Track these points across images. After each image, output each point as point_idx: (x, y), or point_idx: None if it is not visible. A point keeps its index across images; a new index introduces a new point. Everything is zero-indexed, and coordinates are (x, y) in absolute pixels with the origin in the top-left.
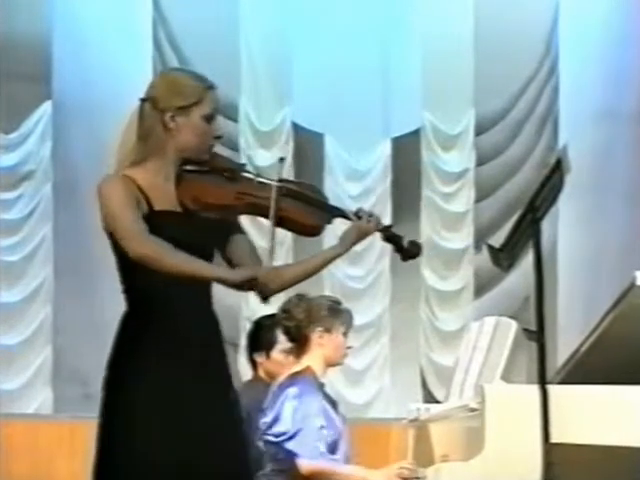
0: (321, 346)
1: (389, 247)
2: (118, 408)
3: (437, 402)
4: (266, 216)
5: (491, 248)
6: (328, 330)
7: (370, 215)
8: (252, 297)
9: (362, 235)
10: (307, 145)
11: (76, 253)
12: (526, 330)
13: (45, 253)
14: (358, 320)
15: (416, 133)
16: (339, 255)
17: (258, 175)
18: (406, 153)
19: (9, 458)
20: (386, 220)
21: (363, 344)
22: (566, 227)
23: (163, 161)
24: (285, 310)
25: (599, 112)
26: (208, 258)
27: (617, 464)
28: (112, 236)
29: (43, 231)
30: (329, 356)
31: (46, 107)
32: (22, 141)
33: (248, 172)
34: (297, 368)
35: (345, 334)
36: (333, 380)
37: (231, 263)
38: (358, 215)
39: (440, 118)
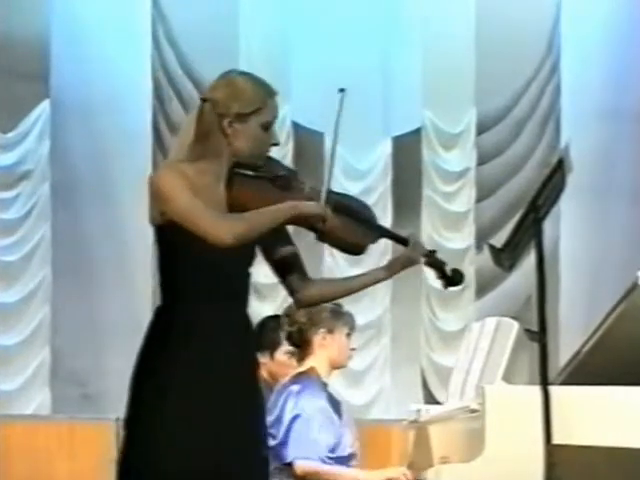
0: (324, 348)
1: (389, 247)
2: (147, 400)
3: (438, 403)
4: (313, 228)
5: (492, 248)
6: (331, 331)
7: (417, 241)
8: (253, 298)
9: (410, 264)
10: (307, 144)
11: (74, 253)
12: (528, 330)
13: (43, 253)
14: (358, 321)
15: (417, 132)
16: (383, 280)
17: (310, 186)
18: (407, 152)
19: (7, 459)
20: (387, 220)
21: (363, 345)
22: (568, 227)
23: (217, 163)
24: (287, 315)
25: (601, 111)
26: (249, 262)
27: (620, 466)
28: (161, 231)
29: (41, 231)
30: (333, 358)
31: (44, 106)
32: (20, 140)
33: (299, 180)
34: (301, 369)
35: (348, 335)
36: (333, 381)
37: (273, 264)
38: (406, 240)
39: (441, 117)
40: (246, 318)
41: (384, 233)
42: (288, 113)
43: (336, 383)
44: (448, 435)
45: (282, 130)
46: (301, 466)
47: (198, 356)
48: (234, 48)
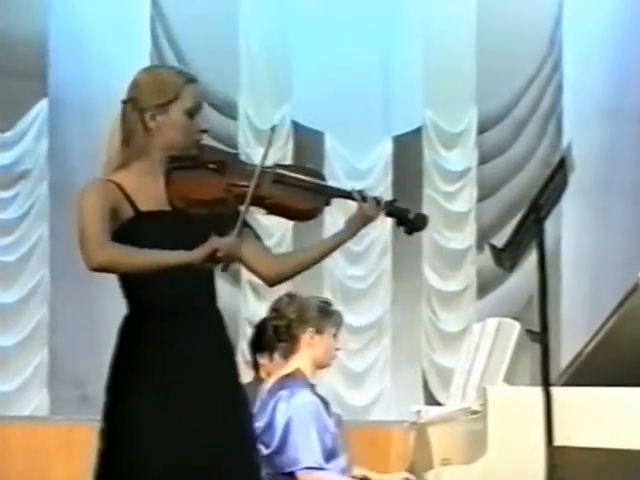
0: (311, 347)
1: (390, 247)
2: (119, 412)
3: (439, 404)
4: (259, 206)
5: (494, 248)
6: (319, 331)
7: (374, 197)
8: (252, 298)
9: (369, 218)
10: (307, 143)
11: (73, 253)
12: (529, 331)
13: (41, 253)
14: (359, 321)
15: (417, 131)
16: (345, 241)
17: (246, 166)
18: (407, 152)
19: (5, 460)
20: (387, 220)
21: (364, 346)
22: (570, 227)
23: (149, 161)
24: (275, 309)
25: (603, 110)
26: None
27: (622, 467)
28: None
29: (39, 231)
30: (318, 357)
31: (42, 105)
32: (18, 139)
33: (240, 161)
34: (286, 371)
35: (335, 336)
36: (333, 382)
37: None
38: (362, 196)
39: (442, 116)
40: (218, 315)
41: (335, 193)
42: (288, 113)
43: (336, 384)
44: (449, 436)
45: (282, 129)
46: (304, 478)
47: (174, 357)
48: (234, 47)
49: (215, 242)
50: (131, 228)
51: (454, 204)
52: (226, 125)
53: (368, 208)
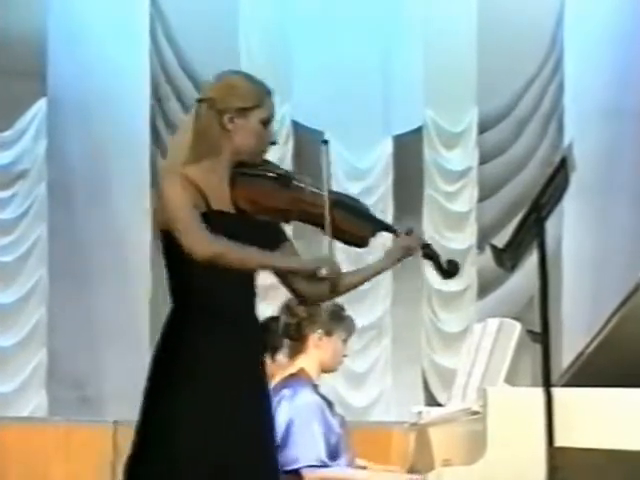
0: (318, 348)
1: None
2: (161, 408)
3: (439, 405)
4: (317, 224)
5: (494, 248)
6: (328, 334)
7: (412, 231)
8: None
9: (408, 254)
10: (307, 143)
11: (71, 254)
12: (530, 331)
13: (40, 253)
14: (359, 322)
15: (418, 131)
16: (385, 270)
17: (309, 184)
18: (408, 151)
19: (3, 462)
20: (388, 220)
21: (364, 346)
22: (571, 227)
23: (218, 161)
24: (287, 307)
25: (605, 110)
26: (249, 276)
27: (624, 469)
28: (167, 236)
29: (38, 231)
30: (324, 361)
31: (41, 104)
32: (16, 139)
33: (299, 180)
34: (291, 370)
35: (345, 341)
36: (333, 383)
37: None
38: (406, 232)
39: (443, 116)
40: (257, 320)
41: (383, 226)
42: (288, 112)
43: (336, 384)
44: (450, 437)
45: (282, 129)
46: (309, 476)
47: (217, 353)
48: (234, 46)
49: (323, 259)
50: (204, 224)
51: (455, 204)
52: None
53: (409, 241)
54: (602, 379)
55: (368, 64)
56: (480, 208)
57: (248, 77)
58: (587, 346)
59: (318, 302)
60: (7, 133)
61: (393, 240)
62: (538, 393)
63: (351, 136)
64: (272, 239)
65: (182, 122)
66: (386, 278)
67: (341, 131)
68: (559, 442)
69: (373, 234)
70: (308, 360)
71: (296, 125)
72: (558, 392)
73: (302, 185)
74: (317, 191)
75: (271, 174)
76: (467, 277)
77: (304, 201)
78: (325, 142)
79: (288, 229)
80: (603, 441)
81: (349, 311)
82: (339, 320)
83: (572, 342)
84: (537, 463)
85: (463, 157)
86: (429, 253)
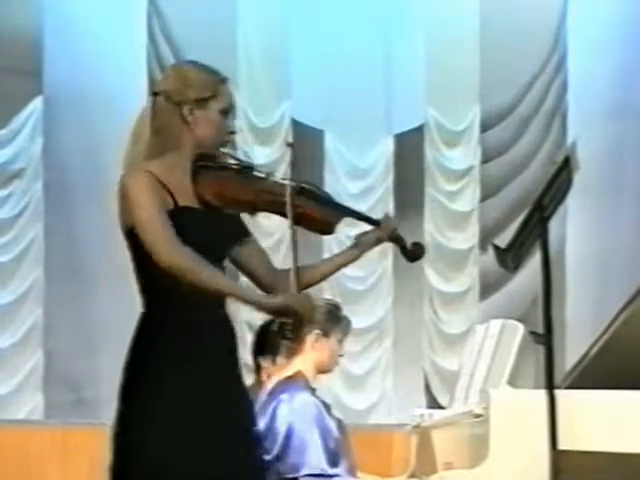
0: (315, 350)
1: (391, 247)
2: (134, 414)
3: (441, 408)
4: (282, 214)
5: (497, 248)
6: (325, 334)
7: (388, 218)
8: None
9: (379, 242)
10: (307, 142)
11: (68, 254)
12: (533, 333)
13: (35, 254)
14: (359, 323)
15: (419, 129)
16: (356, 259)
17: (269, 174)
18: (409, 150)
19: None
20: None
21: (364, 348)
22: (575, 226)
23: (180, 155)
24: None
25: (609, 108)
26: (222, 257)
27: (628, 472)
28: (131, 235)
29: (33, 231)
30: (321, 361)
31: (37, 103)
32: (12, 138)
33: (259, 171)
34: (287, 373)
35: (340, 341)
36: (333, 385)
37: (237, 264)
38: (376, 221)
39: (444, 114)
40: (228, 318)
41: (348, 212)
42: (287, 110)
43: (336, 387)
44: (452, 440)
45: (281, 127)
46: None
47: (190, 355)
48: (232, 43)
49: (291, 298)
50: (172, 221)
51: (456, 203)
52: None
53: (385, 230)
54: (606, 381)
55: (369, 62)
56: (482, 207)
57: (200, 66)
58: (591, 347)
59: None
60: (2, 132)
61: (371, 229)
62: (541, 395)
63: (352, 134)
64: (237, 234)
65: (136, 120)
66: (387, 278)
67: (341, 129)
68: (563, 445)
69: (338, 220)
70: (305, 361)
71: (295, 123)
72: (562, 394)
73: (263, 175)
74: (279, 180)
75: (233, 166)
76: (469, 278)
77: (267, 191)
78: (290, 145)
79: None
80: (607, 444)
81: (349, 312)
82: (335, 320)
83: (576, 343)
84: (540, 467)
85: (465, 156)
86: (394, 236)
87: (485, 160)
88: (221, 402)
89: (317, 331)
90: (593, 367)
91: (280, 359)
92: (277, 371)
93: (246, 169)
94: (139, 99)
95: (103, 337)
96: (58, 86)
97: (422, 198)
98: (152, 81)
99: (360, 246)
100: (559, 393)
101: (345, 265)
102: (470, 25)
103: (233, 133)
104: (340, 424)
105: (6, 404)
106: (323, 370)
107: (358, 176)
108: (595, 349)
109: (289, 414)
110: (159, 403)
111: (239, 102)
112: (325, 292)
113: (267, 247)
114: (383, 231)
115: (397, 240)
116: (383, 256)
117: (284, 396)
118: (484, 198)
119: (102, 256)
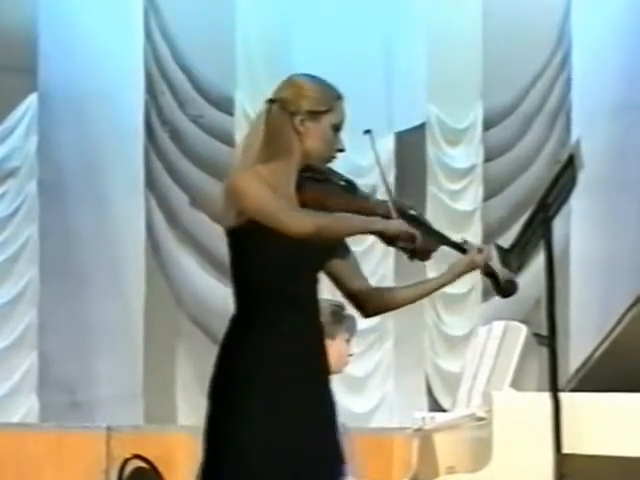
0: None
1: (392, 248)
2: (230, 411)
3: (443, 410)
4: (380, 234)
5: (500, 248)
6: (331, 336)
7: (482, 250)
8: None
9: (472, 268)
10: None
11: (63, 254)
12: (537, 335)
13: (30, 254)
14: (360, 324)
15: (421, 127)
16: (447, 284)
17: (372, 194)
18: (411, 148)
19: None
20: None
21: (366, 349)
22: (579, 226)
23: (288, 163)
24: None
25: (613, 106)
26: (320, 267)
27: (634, 476)
28: (233, 235)
29: (28, 231)
30: (331, 364)
31: (32, 100)
32: (6, 136)
33: (363, 190)
34: None
35: (348, 341)
36: (334, 387)
37: (330, 274)
38: (464, 247)
39: (446, 112)
40: (318, 315)
41: (444, 241)
42: None
43: (336, 389)
44: (454, 444)
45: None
46: None
47: (282, 356)
48: (230, 40)
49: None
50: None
51: (459, 203)
52: (222, 121)
53: (473, 257)
54: (611, 384)
55: (370, 59)
56: (485, 207)
57: (320, 80)
58: (595, 350)
59: (375, 313)
60: None
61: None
62: (545, 398)
63: (352, 132)
64: (333, 246)
65: (252, 125)
66: (388, 279)
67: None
68: (567, 449)
69: (436, 249)
70: None
71: None
72: (566, 397)
73: (366, 194)
74: (382, 201)
75: (339, 181)
76: (472, 279)
77: (370, 210)
78: (368, 132)
79: None
80: (612, 448)
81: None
82: (340, 321)
83: (580, 345)
84: (544, 471)
85: (467, 154)
86: (490, 271)
87: (488, 159)
88: (312, 399)
89: None
90: (598, 369)
91: None
92: None
93: (351, 186)
94: (135, 97)
95: (99, 338)
96: (53, 83)
97: (424, 197)
98: (149, 78)
99: (450, 271)
100: (563, 396)
101: (435, 290)
102: (473, 22)
103: (342, 150)
104: (343, 427)
105: (0, 407)
106: (333, 372)
107: (358, 174)
108: (600, 351)
109: None
110: (255, 398)
111: (238, 100)
112: (325, 293)
113: (358, 252)
114: (478, 258)
115: (491, 275)
116: (384, 257)
117: None
118: (487, 197)
119: (98, 256)
